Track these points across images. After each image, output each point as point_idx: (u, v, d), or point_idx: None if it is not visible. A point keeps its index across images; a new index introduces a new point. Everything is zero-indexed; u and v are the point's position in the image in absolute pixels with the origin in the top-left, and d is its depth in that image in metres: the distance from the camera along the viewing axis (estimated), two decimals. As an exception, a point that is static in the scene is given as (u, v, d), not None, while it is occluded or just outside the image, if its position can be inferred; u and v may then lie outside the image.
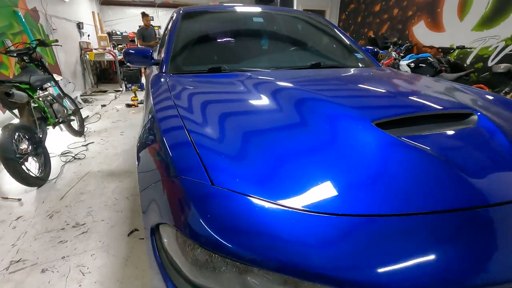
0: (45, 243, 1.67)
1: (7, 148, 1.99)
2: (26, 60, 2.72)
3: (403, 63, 3.54)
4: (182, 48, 1.75)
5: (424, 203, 0.60)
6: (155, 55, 2.40)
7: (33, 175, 2.21)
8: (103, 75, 7.44)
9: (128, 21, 9.31)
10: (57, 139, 3.26)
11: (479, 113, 0.95)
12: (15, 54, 2.67)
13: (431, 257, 0.52)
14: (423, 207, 0.59)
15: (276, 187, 0.64)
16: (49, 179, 2.39)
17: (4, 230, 1.79)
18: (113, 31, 8.87)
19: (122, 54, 1.83)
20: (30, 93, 2.44)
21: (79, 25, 6.20)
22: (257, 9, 2.16)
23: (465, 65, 4.53)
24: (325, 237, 0.55)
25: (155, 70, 1.76)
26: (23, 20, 3.60)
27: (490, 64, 5.18)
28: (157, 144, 0.86)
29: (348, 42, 2.08)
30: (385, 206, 0.59)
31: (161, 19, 9.36)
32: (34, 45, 2.75)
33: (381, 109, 0.95)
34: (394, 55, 3.95)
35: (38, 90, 2.66)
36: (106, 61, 6.98)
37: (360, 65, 1.89)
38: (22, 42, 3.19)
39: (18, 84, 2.31)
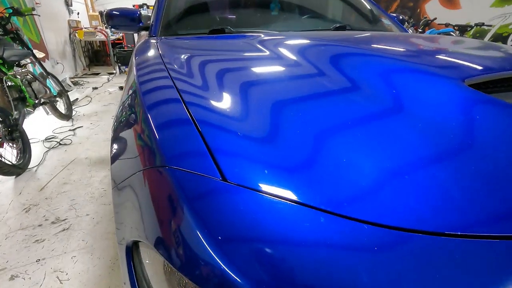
0: (18, 243, 1.41)
1: (-25, 132, 1.70)
2: (0, 32, 2.39)
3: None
4: (177, 6, 1.43)
5: None
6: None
7: (9, 163, 1.92)
8: (95, 57, 7.03)
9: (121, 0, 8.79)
10: (41, 123, 2.96)
11: None
12: (-14, 25, 2.33)
13: None
14: None
15: (327, 190, 0.36)
16: (29, 167, 2.11)
17: (-30, 227, 1.52)
18: (105, 11, 8.38)
19: (104, 17, 1.50)
20: (3, 69, 2.12)
21: (67, 2, 5.76)
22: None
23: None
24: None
25: (144, 36, 1.45)
26: (0, -10, 3.22)
27: (510, 43, 4.84)
28: (140, 127, 0.57)
29: (374, 7, 1.76)
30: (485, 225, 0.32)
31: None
32: (8, 14, 2.40)
33: (466, 68, 0.66)
34: (411, 31, 3.60)
35: (14, 67, 2.33)
36: (99, 41, 6.56)
37: (388, 29, 1.58)
38: (-4, 12, 2.83)
39: (-13, 59, 2.00)
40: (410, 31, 3.79)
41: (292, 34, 1.11)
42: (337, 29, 1.36)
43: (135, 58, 1.06)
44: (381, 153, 0.41)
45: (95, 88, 4.61)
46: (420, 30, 3.52)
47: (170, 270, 0.37)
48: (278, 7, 1.64)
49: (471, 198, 0.34)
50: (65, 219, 1.58)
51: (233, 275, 0.29)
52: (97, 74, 5.88)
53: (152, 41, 1.15)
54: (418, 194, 0.35)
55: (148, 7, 8.89)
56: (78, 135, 2.76)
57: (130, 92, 0.77)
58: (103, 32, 5.96)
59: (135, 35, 7.29)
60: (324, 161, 0.39)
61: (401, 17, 1.93)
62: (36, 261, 1.30)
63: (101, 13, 8.15)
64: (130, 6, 8.88)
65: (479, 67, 0.64)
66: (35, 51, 2.80)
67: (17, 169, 1.98)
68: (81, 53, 6.18)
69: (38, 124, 2.93)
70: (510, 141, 0.42)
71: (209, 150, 0.41)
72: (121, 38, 7.06)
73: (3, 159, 1.88)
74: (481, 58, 0.76)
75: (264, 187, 0.36)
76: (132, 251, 0.47)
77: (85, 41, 6.17)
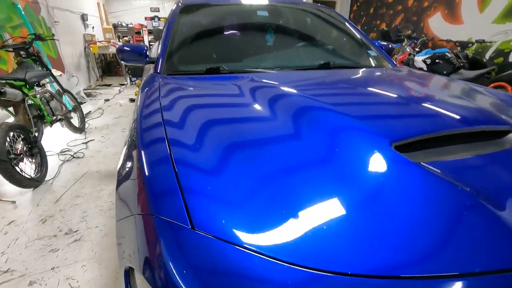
0: (36, 252, 1.60)
1: (0, 150, 1.91)
2: (23, 55, 2.63)
3: (419, 58, 3.32)
4: (179, 45, 1.61)
5: (460, 263, 0.46)
6: (153, 52, 2.27)
7: (28, 177, 2.13)
8: (108, 67, 7.36)
9: (134, 12, 9.18)
10: (56, 136, 3.19)
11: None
12: (11, 49, 2.58)
13: None
14: (458, 268, 0.46)
15: (283, 239, 0.50)
16: (45, 179, 2.32)
17: (-5, 236, 1.72)
18: (119, 23, 8.75)
19: (116, 51, 1.69)
20: (25, 90, 2.35)
21: (83, 17, 6.09)
22: (262, 1, 2.00)
23: (484, 60, 4.27)
24: None
25: (150, 69, 1.63)
26: (23, 12, 3.50)
27: (511, 59, 4.88)
28: (136, 164, 0.74)
29: (360, 38, 1.91)
30: (409, 267, 0.46)
31: (167, 10, 9.20)
32: (31, 39, 2.65)
33: (401, 126, 0.80)
34: (408, 50, 3.72)
35: (34, 87, 2.57)
36: (111, 53, 6.88)
37: (374, 64, 1.72)
38: (20, 36, 3.09)
39: (12, 82, 2.22)
40: (408, 49, 3.90)
41: (275, 77, 1.27)
42: (321, 66, 1.51)
43: (141, 91, 1.24)
44: (334, 206, 0.55)
45: (107, 100, 4.87)
46: (417, 49, 3.64)
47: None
48: (271, 40, 1.81)
49: (388, 241, 0.48)
50: (77, 231, 1.76)
51: None
52: (109, 85, 6.17)
53: (155, 78, 1.33)
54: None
55: (159, 19, 9.26)
56: (90, 148, 2.97)
57: (133, 126, 0.94)
58: (116, 45, 6.26)
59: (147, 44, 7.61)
60: (288, 215, 0.53)
61: (390, 46, 2.06)
62: (51, 269, 1.48)
63: (114, 25, 8.53)
64: (142, 19, 9.24)
65: (412, 127, 0.78)
66: (53, 70, 3.05)
67: (35, 182, 2.19)
68: (94, 64, 6.49)
69: (54, 137, 3.16)
70: (405, 197, 0.56)
71: (185, 203, 0.57)
72: (132, 50, 7.34)
73: (23, 174, 2.09)
74: (425, 111, 0.90)
75: (230, 236, 0.50)
76: (129, 274, 0.63)
77: (99, 54, 6.48)
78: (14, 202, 2.05)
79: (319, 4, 2.23)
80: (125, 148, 0.93)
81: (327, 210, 0.54)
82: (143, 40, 8.79)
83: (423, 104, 0.96)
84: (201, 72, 1.42)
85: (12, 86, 2.21)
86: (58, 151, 2.84)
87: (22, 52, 2.62)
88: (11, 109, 2.34)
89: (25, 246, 1.64)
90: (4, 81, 2.13)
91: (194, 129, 0.81)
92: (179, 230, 0.53)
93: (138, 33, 8.80)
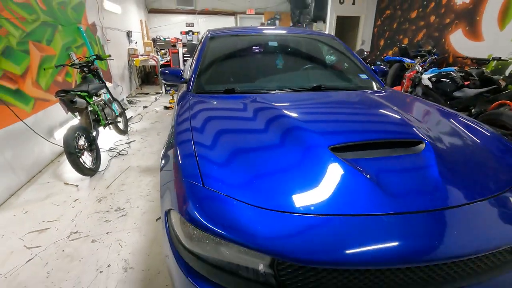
0: (95, 221, 2.15)
1: (70, 144, 2.52)
2: (86, 71, 3.31)
3: (425, 77, 3.57)
4: (206, 69, 2.11)
5: (353, 207, 0.87)
6: (186, 73, 2.81)
7: (87, 167, 2.74)
8: (146, 77, 8.23)
9: (171, 27, 10.10)
10: (106, 137, 3.86)
11: (427, 142, 1.17)
12: (78, 67, 3.26)
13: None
14: (350, 211, 0.86)
15: (250, 193, 0.94)
16: (99, 170, 2.92)
17: (66, 209, 2.30)
18: (158, 37, 9.69)
19: (159, 74, 2.23)
20: (87, 99, 2.99)
21: (128, 34, 6.97)
22: (274, 32, 2.46)
23: (503, 77, 4.35)
24: (273, 227, 0.84)
25: (184, 87, 2.15)
26: (84, 34, 4.27)
27: (530, 76, 4.88)
28: (173, 153, 1.21)
29: (355, 63, 2.29)
30: (320, 208, 0.87)
31: (201, 25, 10.01)
32: (93, 59, 3.33)
33: (341, 135, 1.21)
34: (417, 68, 3.96)
35: (94, 97, 3.22)
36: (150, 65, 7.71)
37: (362, 86, 2.10)
38: (83, 55, 3.83)
39: (79, 93, 2.87)
40: (417, 67, 4.12)
41: (274, 97, 1.71)
42: (314, 88, 1.92)
43: (177, 105, 1.74)
44: (288, 176, 0.98)
45: (145, 107, 5.58)
46: (425, 68, 3.86)
47: (182, 221, 0.97)
48: (278, 65, 2.26)
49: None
50: (123, 209, 2.30)
51: (206, 223, 0.87)
52: (147, 93, 6.95)
53: (187, 96, 1.83)
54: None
55: (193, 33, 10.09)
56: (132, 147, 3.58)
57: (172, 130, 1.43)
58: (154, 58, 7.05)
59: (180, 60, 8.38)
60: (258, 183, 0.97)
61: (385, 69, 2.42)
62: (106, 233, 2.01)
63: (153, 39, 9.45)
64: (178, 33, 10.10)
65: (348, 136, 1.19)
66: (106, 83, 3.72)
67: (92, 172, 2.79)
68: (135, 75, 7.34)
69: (104, 138, 3.82)
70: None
71: (200, 173, 1.02)
72: (168, 61, 8.18)
73: (85, 164, 2.69)
74: (364, 125, 1.31)
75: (222, 190, 0.94)
76: (167, 215, 1.09)
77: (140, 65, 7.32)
78: (77, 186, 2.66)
79: (325, 33, 2.64)
80: (165, 143, 1.42)
81: (288, 177, 0.98)
82: (177, 53, 9.64)
83: (368, 119, 1.36)
84: (220, 91, 1.90)
85: (79, 96, 2.86)
86: (107, 149, 3.48)
87: (85, 69, 3.30)
88: (76, 114, 2.99)
89: (87, 217, 2.20)
90: (74, 93, 2.77)
91: (209, 133, 1.28)
92: (195, 186, 0.98)
93: (174, 45, 9.67)
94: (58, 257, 1.79)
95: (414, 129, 1.27)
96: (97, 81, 3.45)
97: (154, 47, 8.87)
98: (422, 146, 1.15)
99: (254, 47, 2.36)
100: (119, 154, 3.36)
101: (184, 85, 2.22)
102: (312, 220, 0.85)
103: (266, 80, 2.09)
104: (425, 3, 6.49)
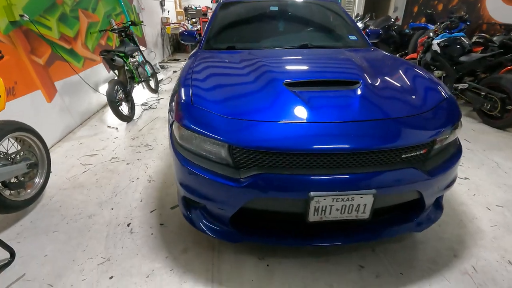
0: (129, 152, 2.80)
1: (111, 95, 3.15)
2: (123, 36, 3.89)
3: (435, 42, 3.63)
4: (214, 31, 2.54)
5: (284, 117, 1.31)
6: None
7: (125, 115, 3.39)
8: (178, 45, 8.79)
9: (202, -4, 10.39)
10: (140, 95, 4.52)
11: (362, 81, 1.53)
12: (116, 32, 3.85)
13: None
14: (280, 118, 1.30)
15: (222, 108, 1.40)
16: (133, 118, 3.58)
17: (108, 143, 2.99)
18: (189, 6, 10.08)
19: (178, 35, 2.73)
20: (125, 59, 3.59)
21: (162, 3, 7.46)
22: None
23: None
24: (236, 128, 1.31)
25: (197, 47, 2.61)
26: (122, 3, 4.83)
27: None
28: (177, 87, 1.71)
29: (347, 26, 2.57)
30: (261, 117, 1.32)
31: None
32: (128, 25, 3.89)
33: (297, 75, 1.62)
34: (431, 34, 3.95)
35: (129, 57, 3.82)
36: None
37: (348, 45, 2.40)
38: (121, 22, 4.41)
39: (118, 53, 3.46)
40: (431, 34, 4.11)
41: (263, 52, 2.11)
42: (300, 46, 2.27)
43: (188, 58, 2.22)
44: (254, 101, 1.44)
45: (175, 71, 6.17)
46: (438, 33, 3.82)
47: (178, 127, 1.47)
48: (276, 27, 2.61)
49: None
50: (151, 145, 2.92)
51: (193, 126, 1.36)
52: (178, 60, 7.53)
53: (197, 52, 2.30)
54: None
55: (223, 1, 10.27)
56: (160, 103, 4.20)
57: (179, 74, 1.93)
58: (185, 26, 7.52)
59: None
60: (232, 103, 1.44)
61: (379, 31, 2.66)
62: (137, 159, 2.65)
63: (185, 8, 9.85)
64: (209, 1, 10.35)
65: (301, 75, 1.58)
66: (140, 47, 4.30)
67: (128, 118, 3.45)
68: (168, 42, 7.91)
69: (138, 94, 4.49)
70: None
71: (191, 97, 1.50)
72: (199, 30, 8.61)
73: (122, 112, 3.35)
74: (319, 69, 1.69)
75: (205, 107, 1.42)
76: (172, 125, 1.60)
77: (172, 33, 7.85)
78: (116, 128, 3.34)
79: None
80: (175, 85, 1.92)
81: (248, 99, 1.44)
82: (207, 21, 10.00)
83: (326, 66, 1.74)
84: (224, 48, 2.34)
85: (118, 56, 3.45)
86: (141, 104, 4.13)
87: (122, 34, 3.88)
88: (116, 72, 3.61)
89: (124, 149, 2.86)
90: (114, 53, 3.37)
91: (204, 73, 1.76)
92: (188, 104, 1.47)
93: (205, 14, 10.01)
94: (104, 171, 2.46)
95: (358, 73, 1.63)
96: (132, 44, 4.03)
97: (185, 16, 9.31)
98: (358, 84, 1.52)
99: (258, 12, 2.71)
100: (150, 108, 4.00)
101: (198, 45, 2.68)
102: (255, 123, 1.30)
103: (263, 39, 2.47)
104: (461, -35, 6.09)
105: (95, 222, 1.85)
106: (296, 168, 1.27)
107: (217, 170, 1.33)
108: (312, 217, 1.30)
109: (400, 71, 1.76)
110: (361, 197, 1.25)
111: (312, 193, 1.22)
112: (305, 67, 1.82)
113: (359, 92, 1.46)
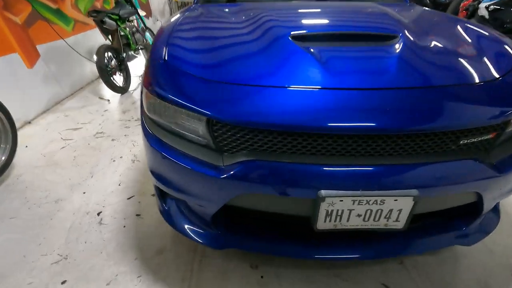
0: (117, 126, 2.47)
1: (101, 62, 2.79)
2: (119, -4, 3.46)
3: (482, 5, 3.01)
4: None
5: (302, 81, 0.90)
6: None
7: (118, 85, 3.05)
8: (188, 16, 8.25)
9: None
10: (140, 64, 4.14)
11: (401, 35, 1.08)
12: (111, -9, 3.42)
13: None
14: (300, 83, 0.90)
15: (203, 69, 1.01)
16: (129, 90, 3.23)
17: (96, 116, 2.67)
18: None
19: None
20: (119, 23, 3.19)
21: (170, -33, 6.87)
22: None
23: None
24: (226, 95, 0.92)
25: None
26: (122, -38, 4.35)
27: None
28: (157, 39, 1.31)
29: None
30: (274, 80, 0.91)
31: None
32: (124, -17, 3.44)
33: (308, 28, 1.18)
34: (477, -4, 3.32)
35: (125, 22, 3.41)
36: (188, 2, 7.66)
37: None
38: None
39: (110, 15, 3.06)
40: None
41: (268, 5, 1.66)
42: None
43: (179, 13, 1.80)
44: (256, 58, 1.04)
45: (181, 42, 5.73)
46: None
47: (147, 94, 1.10)
48: None
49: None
50: (142, 120, 2.58)
51: (164, 92, 0.99)
52: (186, 31, 7.05)
53: (190, 7, 1.86)
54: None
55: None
56: (161, 74, 3.82)
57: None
58: (194, -7, 6.96)
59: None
60: (218, 61, 1.05)
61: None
62: (124, 135, 2.32)
63: (196, -25, 9.15)
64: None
65: (315, 28, 1.14)
66: (139, 11, 3.87)
67: (122, 90, 3.11)
68: (176, 11, 7.39)
69: (136, 65, 4.12)
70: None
71: (165, 56, 1.11)
72: (209, -1, 7.95)
73: (116, 82, 3.00)
74: (341, 22, 1.23)
75: (178, 65, 1.03)
76: (142, 93, 1.23)
77: (180, 1, 7.31)
78: (108, 100, 3.01)
79: None
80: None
81: (241, 58, 1.03)
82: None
83: (351, 18, 1.27)
84: (222, 1, 1.89)
85: (110, 18, 3.05)
86: (139, 74, 3.77)
87: (118, -6, 3.45)
88: (109, 37, 3.23)
89: (112, 123, 2.54)
90: (105, 14, 2.97)
91: (191, 28, 1.35)
92: (161, 62, 1.08)
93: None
94: (85, 147, 2.16)
95: (396, 25, 1.17)
96: (130, 7, 3.61)
97: (196, -16, 8.66)
98: (397, 39, 1.08)
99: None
100: (149, 79, 3.63)
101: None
102: (244, 88, 0.90)
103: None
104: None
105: (60, 209, 1.55)
106: (302, 154, 0.88)
107: (191, 153, 0.96)
108: (322, 224, 0.93)
109: (451, 27, 1.29)
110: (396, 200, 0.86)
111: (323, 192, 0.84)
112: (323, 20, 1.36)
113: (397, 49, 1.03)
